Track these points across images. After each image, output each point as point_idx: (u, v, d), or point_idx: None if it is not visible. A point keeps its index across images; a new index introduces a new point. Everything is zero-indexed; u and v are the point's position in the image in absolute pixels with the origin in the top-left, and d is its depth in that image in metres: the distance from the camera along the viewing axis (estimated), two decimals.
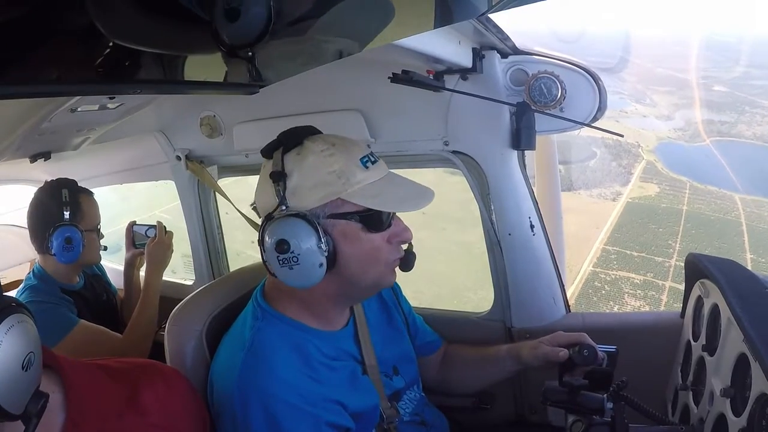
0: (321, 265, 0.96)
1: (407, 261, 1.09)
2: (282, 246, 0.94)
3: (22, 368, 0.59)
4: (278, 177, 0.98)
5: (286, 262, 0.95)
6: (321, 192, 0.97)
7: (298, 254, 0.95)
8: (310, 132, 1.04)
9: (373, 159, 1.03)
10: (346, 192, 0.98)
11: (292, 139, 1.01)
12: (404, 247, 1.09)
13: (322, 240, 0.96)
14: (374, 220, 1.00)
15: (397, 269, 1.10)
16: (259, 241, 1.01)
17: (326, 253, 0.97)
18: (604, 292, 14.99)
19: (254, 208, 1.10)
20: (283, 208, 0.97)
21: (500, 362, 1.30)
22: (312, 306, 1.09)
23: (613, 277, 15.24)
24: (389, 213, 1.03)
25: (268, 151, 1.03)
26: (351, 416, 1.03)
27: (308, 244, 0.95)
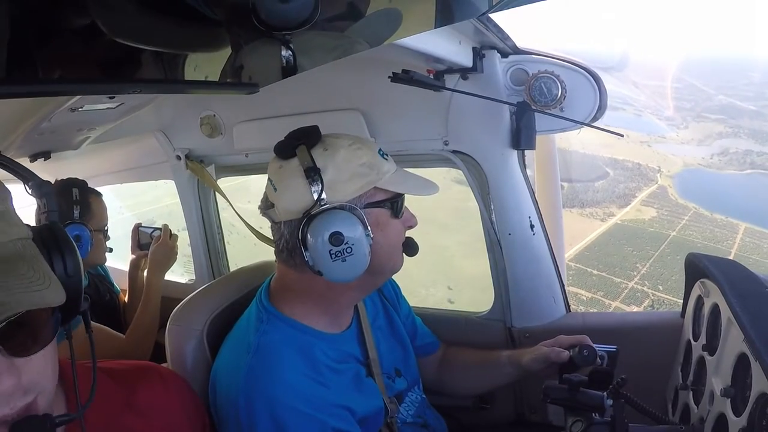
0: (368, 253, 0.98)
1: (412, 246, 1.13)
2: (337, 238, 0.94)
3: None
4: (314, 172, 0.97)
5: (339, 255, 0.95)
6: (357, 183, 1.00)
7: (352, 245, 0.95)
8: (318, 131, 1.04)
9: (385, 152, 1.08)
10: (380, 181, 1.03)
11: (313, 137, 1.01)
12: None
13: (368, 228, 0.98)
14: (399, 207, 1.07)
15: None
16: (298, 240, 0.98)
17: (371, 241, 0.98)
18: None
19: (265, 212, 1.06)
20: (324, 202, 0.97)
21: (501, 368, 1.30)
22: (326, 305, 1.08)
23: None
24: (403, 200, 1.09)
25: (285, 150, 1.01)
26: (357, 422, 1.02)
27: (358, 234, 0.96)
